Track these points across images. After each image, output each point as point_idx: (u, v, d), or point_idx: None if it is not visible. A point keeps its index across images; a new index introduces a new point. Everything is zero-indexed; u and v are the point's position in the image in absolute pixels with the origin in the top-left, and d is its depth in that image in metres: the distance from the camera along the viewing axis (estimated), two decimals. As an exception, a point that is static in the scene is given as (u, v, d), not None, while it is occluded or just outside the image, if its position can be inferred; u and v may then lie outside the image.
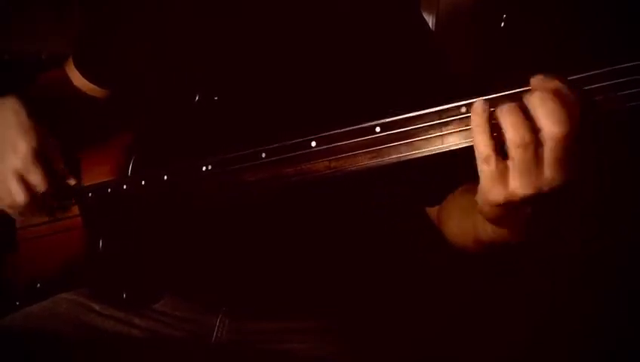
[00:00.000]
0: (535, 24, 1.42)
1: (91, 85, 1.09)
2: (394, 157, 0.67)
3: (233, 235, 0.93)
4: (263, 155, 0.76)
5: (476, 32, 1.54)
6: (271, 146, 0.76)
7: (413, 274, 1.30)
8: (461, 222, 0.84)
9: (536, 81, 0.58)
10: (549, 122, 0.56)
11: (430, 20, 1.56)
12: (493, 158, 0.59)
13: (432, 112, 0.65)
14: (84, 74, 1.08)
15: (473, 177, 0.62)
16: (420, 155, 0.66)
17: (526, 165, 0.57)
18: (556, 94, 0.56)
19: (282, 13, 0.94)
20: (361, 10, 0.96)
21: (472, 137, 0.60)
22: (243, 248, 0.94)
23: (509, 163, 0.58)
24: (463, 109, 0.63)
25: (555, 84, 0.57)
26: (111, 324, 0.96)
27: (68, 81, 1.11)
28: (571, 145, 0.56)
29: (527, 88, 0.59)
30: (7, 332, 0.92)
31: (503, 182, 0.59)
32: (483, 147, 0.59)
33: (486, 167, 0.59)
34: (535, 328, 1.37)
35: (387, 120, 0.67)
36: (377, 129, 0.68)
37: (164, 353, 0.95)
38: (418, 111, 0.65)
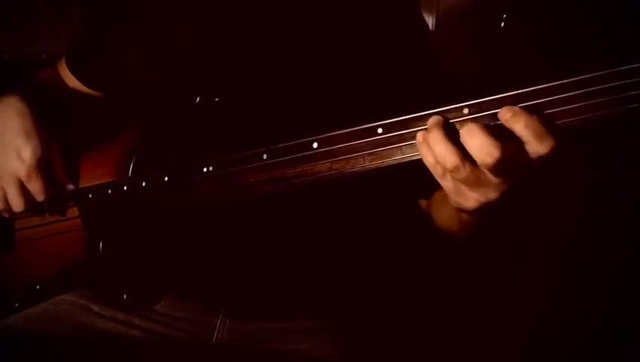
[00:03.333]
0: (535, 24, 1.42)
1: (87, 88, 1.09)
2: (396, 158, 0.67)
3: (233, 236, 0.93)
4: (265, 157, 0.76)
5: (476, 32, 1.53)
6: (272, 147, 0.76)
7: (414, 275, 1.30)
8: (446, 207, 0.88)
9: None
10: (478, 153, 0.60)
11: (430, 20, 1.56)
12: (448, 175, 0.64)
13: (433, 113, 0.65)
14: (80, 78, 1.08)
15: None
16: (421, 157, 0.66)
17: (468, 181, 0.63)
18: (481, 127, 0.60)
19: (282, 14, 0.94)
20: (361, 10, 0.96)
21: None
22: (243, 249, 0.94)
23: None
24: (465, 110, 0.63)
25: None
26: (111, 326, 0.95)
27: (62, 82, 1.10)
28: (504, 164, 0.60)
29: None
30: (7, 334, 0.92)
31: (465, 192, 0.65)
32: (434, 167, 0.64)
33: (444, 183, 0.66)
34: (536, 329, 1.37)
35: (389, 121, 0.67)
36: (379, 130, 0.68)
37: (164, 354, 0.95)
38: (420, 112, 0.66)
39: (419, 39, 0.99)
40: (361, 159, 0.69)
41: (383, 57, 0.94)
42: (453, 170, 0.62)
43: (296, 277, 0.96)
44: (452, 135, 0.62)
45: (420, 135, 0.64)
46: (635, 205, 1.29)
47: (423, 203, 0.99)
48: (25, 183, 0.94)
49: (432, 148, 0.63)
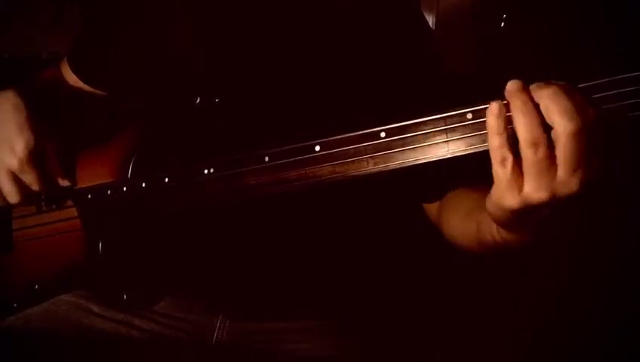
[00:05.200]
0: (535, 24, 1.42)
1: (88, 87, 1.09)
2: (399, 162, 0.67)
3: (234, 237, 0.93)
4: (266, 159, 0.76)
5: (476, 32, 1.53)
6: (274, 150, 0.75)
7: (414, 274, 1.30)
8: (464, 223, 0.84)
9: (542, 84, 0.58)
10: (562, 119, 0.55)
11: (430, 20, 1.56)
12: (509, 161, 0.59)
13: (437, 118, 0.64)
14: (82, 78, 1.08)
15: (476, 176, 0.62)
16: (425, 161, 0.66)
17: (539, 166, 0.57)
18: (567, 91, 0.56)
19: (283, 14, 0.94)
20: (361, 10, 0.96)
21: (488, 140, 0.60)
22: (243, 249, 0.94)
23: (524, 166, 0.58)
24: (469, 116, 0.62)
25: (562, 85, 0.57)
26: (111, 326, 0.95)
27: (64, 81, 1.10)
28: (584, 144, 0.56)
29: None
30: (7, 335, 0.92)
31: (517, 187, 0.59)
32: (499, 149, 0.59)
33: (501, 170, 0.59)
34: (536, 329, 1.37)
35: (392, 125, 0.67)
36: (382, 134, 0.67)
37: (164, 354, 0.95)
38: (424, 117, 0.65)
39: (419, 39, 0.99)
40: (364, 163, 0.69)
41: (384, 57, 0.94)
42: (534, 145, 0.57)
43: (296, 278, 0.96)
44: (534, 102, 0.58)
45: (495, 106, 0.59)
46: (635, 205, 1.29)
47: (432, 208, 0.97)
48: (19, 176, 0.94)
49: (515, 119, 0.57)
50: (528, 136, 0.57)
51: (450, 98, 0.66)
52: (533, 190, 0.58)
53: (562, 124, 0.56)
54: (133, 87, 1.00)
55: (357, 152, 0.69)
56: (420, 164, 0.66)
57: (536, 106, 0.57)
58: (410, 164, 0.66)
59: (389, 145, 0.67)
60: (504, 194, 0.60)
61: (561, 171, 0.57)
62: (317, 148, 0.72)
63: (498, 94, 0.60)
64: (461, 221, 0.85)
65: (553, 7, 1.37)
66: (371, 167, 0.68)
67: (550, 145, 0.57)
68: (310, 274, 0.97)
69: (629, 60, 0.56)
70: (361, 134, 0.69)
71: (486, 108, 0.60)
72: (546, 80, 0.58)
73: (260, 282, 0.95)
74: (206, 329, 0.97)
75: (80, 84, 1.08)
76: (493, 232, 0.72)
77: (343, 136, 0.70)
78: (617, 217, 1.32)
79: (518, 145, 0.58)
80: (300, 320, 0.99)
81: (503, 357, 1.34)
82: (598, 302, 1.33)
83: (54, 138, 0.97)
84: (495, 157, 0.59)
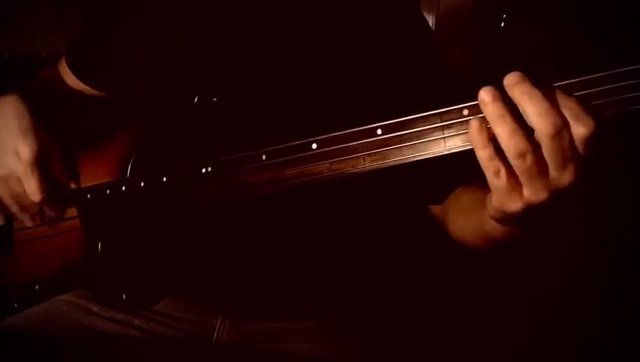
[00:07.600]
0: (535, 24, 1.42)
1: (87, 87, 1.09)
2: (396, 159, 0.67)
3: (233, 236, 0.93)
4: (264, 157, 0.76)
5: (476, 32, 1.53)
6: (271, 148, 0.75)
7: (415, 274, 1.30)
8: (468, 221, 0.84)
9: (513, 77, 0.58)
10: (540, 122, 0.56)
11: (430, 20, 1.56)
12: (503, 171, 0.59)
13: (433, 114, 0.64)
14: (81, 78, 1.08)
15: (474, 173, 0.62)
16: (422, 158, 0.65)
17: (531, 172, 0.57)
18: (543, 90, 0.56)
19: (282, 13, 0.94)
20: (361, 9, 0.96)
21: (475, 152, 0.60)
22: (243, 249, 0.94)
23: (517, 174, 0.58)
24: (465, 112, 0.62)
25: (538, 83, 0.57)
26: (110, 326, 0.95)
27: (62, 82, 1.10)
28: (567, 142, 0.56)
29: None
30: (7, 335, 0.92)
31: (517, 192, 0.59)
32: (489, 161, 0.59)
33: (497, 181, 0.60)
34: (536, 329, 1.37)
35: (389, 122, 0.67)
36: (379, 131, 0.67)
37: (164, 354, 0.95)
38: (420, 113, 0.65)
39: (419, 39, 0.99)
40: (361, 160, 0.69)
41: (383, 57, 0.94)
42: (520, 156, 0.57)
43: (296, 278, 0.96)
44: (511, 108, 0.58)
45: (475, 122, 0.59)
46: (636, 204, 1.29)
47: (436, 209, 0.97)
48: (24, 182, 0.94)
49: (495, 131, 0.57)
50: (512, 149, 0.57)
51: (449, 97, 0.66)
52: (532, 193, 0.58)
53: (541, 127, 0.56)
54: (131, 87, 1.00)
55: (353, 150, 0.69)
56: (417, 161, 0.66)
57: (513, 110, 0.57)
58: (406, 161, 0.66)
59: (385, 143, 0.67)
60: (505, 201, 0.61)
61: (553, 170, 0.57)
62: (314, 145, 0.72)
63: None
64: (465, 220, 0.86)
65: (553, 6, 1.37)
66: (368, 165, 0.68)
67: (536, 149, 0.57)
68: (310, 273, 0.97)
69: (629, 57, 0.56)
70: (357, 131, 0.69)
71: None
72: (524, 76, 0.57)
73: (260, 282, 0.95)
74: (206, 329, 0.97)
75: (78, 84, 1.08)
76: (498, 228, 0.71)
77: (340, 133, 0.70)
78: (618, 217, 1.32)
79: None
80: (300, 320, 0.99)
81: (503, 357, 1.34)
82: (598, 302, 1.33)
83: (56, 140, 0.97)
84: (487, 169, 0.60)
